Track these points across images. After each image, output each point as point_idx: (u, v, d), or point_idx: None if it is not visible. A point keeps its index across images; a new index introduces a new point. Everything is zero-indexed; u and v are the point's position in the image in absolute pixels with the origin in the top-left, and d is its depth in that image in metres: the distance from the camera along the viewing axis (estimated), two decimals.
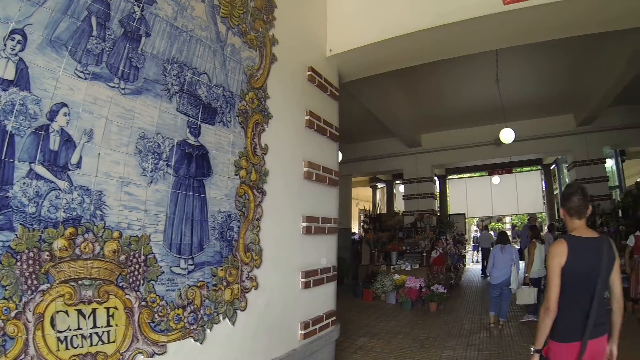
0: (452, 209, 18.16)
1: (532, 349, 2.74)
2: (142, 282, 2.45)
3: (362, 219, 14.44)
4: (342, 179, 14.03)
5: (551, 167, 17.19)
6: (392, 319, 8.03)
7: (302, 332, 4.05)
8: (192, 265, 2.80)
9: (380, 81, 8.34)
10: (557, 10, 4.64)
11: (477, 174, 18.71)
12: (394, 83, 9.11)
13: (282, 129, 3.92)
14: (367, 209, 14.39)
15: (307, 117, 4.42)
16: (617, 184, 14.40)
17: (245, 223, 3.28)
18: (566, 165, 13.45)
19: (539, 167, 17.51)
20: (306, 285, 4.11)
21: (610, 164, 14.28)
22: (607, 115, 11.79)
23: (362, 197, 22.06)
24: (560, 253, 2.65)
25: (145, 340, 2.44)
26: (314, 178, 4.39)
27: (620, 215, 11.11)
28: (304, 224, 4.16)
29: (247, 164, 3.34)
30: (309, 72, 4.60)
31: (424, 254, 10.58)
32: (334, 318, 4.76)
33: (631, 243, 7.74)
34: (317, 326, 4.34)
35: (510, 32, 5.23)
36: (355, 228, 19.23)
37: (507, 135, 9.11)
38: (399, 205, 17.18)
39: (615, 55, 8.28)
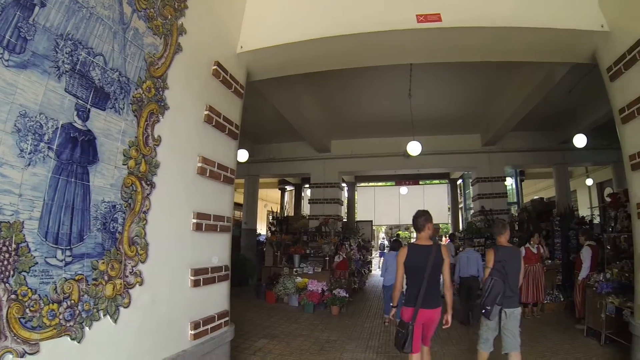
0: (359, 216, 18.80)
1: (391, 305, 4.53)
2: (12, 273, 2.22)
3: (269, 221, 14.39)
4: (249, 179, 14.32)
5: (458, 182, 18.26)
6: (294, 321, 8.05)
7: (193, 332, 3.92)
8: (70, 256, 2.60)
9: (292, 84, 8.40)
10: (466, 34, 4.96)
11: (387, 183, 19.49)
12: (307, 87, 9.23)
13: (178, 122, 3.78)
14: (275, 210, 14.37)
15: (207, 112, 4.30)
16: (515, 200, 15.66)
17: (131, 215, 3.11)
18: (471, 180, 14.31)
19: (447, 181, 18.59)
20: (196, 284, 3.99)
21: (510, 182, 15.49)
22: (510, 138, 12.79)
23: (271, 199, 22.22)
24: (402, 254, 4.32)
25: (15, 338, 2.21)
26: (207, 174, 4.27)
27: (516, 228, 11.99)
28: (195, 221, 4.02)
29: (137, 154, 3.18)
30: (215, 67, 4.49)
31: (327, 258, 10.70)
32: (227, 318, 4.65)
33: (522, 254, 8.33)
34: (209, 326, 4.22)
35: (423, 49, 5.48)
36: (263, 229, 19.30)
37: (413, 148, 9.39)
38: (307, 209, 17.45)
39: (521, 85, 8.99)
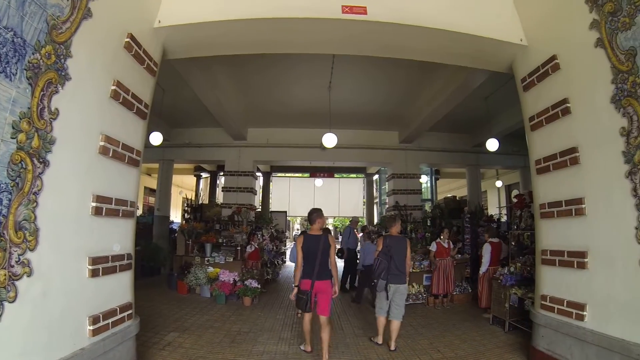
0: (274, 206, 18.62)
1: (293, 285, 5.53)
2: None
3: (184, 208, 13.80)
4: (164, 164, 13.70)
5: (374, 177, 18.64)
6: (205, 313, 7.77)
7: (92, 327, 3.58)
8: None
9: (211, 66, 8.07)
10: (391, 30, 4.97)
11: (302, 175, 19.34)
12: (226, 71, 8.90)
13: (80, 95, 3.39)
14: (190, 198, 13.85)
15: (114, 88, 3.93)
16: (429, 197, 16.24)
17: (19, 196, 2.71)
18: (387, 176, 14.62)
19: (363, 176, 18.93)
20: (94, 274, 3.62)
21: (425, 179, 16.03)
22: (427, 137, 13.27)
23: (187, 186, 21.35)
24: (300, 242, 5.45)
25: None
26: (110, 155, 3.89)
27: (428, 224, 12.44)
28: (94, 204, 3.63)
29: (29, 128, 2.77)
30: (127, 40, 4.12)
31: (239, 248, 10.43)
32: (130, 311, 4.32)
33: (433, 249, 8.75)
34: (110, 320, 3.88)
35: (347, 41, 5.40)
36: (178, 217, 18.64)
37: (329, 140, 9.33)
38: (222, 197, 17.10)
39: (441, 87, 9.26)
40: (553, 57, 4.77)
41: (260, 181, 17.16)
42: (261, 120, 12.58)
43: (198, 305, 8.38)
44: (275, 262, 13.29)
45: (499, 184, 19.06)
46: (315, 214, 5.54)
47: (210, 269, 9.37)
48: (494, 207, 19.06)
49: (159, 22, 4.76)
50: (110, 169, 3.99)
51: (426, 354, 5.60)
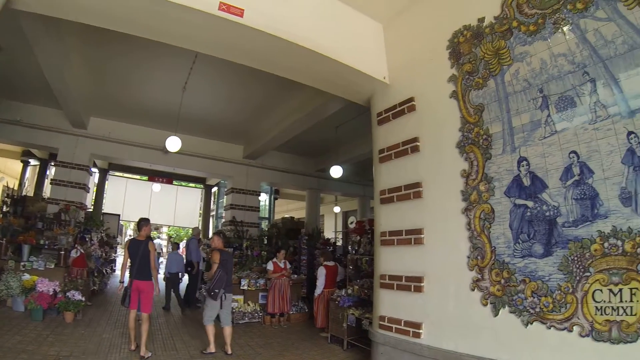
0: (107, 208, 16.51)
1: (120, 283, 6.49)
2: None
3: (3, 199, 11.14)
4: None
5: (213, 189, 18.28)
6: (17, 332, 6.39)
7: None
8: None
9: (65, 38, 7.08)
10: (262, 40, 4.88)
11: (141, 177, 17.70)
12: (80, 47, 7.77)
13: None
14: (13, 187, 11.51)
15: None
16: (267, 216, 16.47)
17: None
18: (226, 189, 14.48)
19: (202, 186, 18.37)
20: None
21: (264, 197, 16.24)
22: (272, 156, 13.57)
23: (11, 172, 17.23)
24: (127, 246, 6.35)
25: None
26: None
27: (265, 242, 12.56)
28: None
29: None
30: None
31: (62, 252, 9.00)
32: None
33: (270, 267, 8.85)
34: None
35: (215, 40, 5.11)
36: None
37: (172, 143, 8.95)
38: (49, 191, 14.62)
39: (295, 108, 9.51)
40: (411, 99, 5.30)
41: (95, 178, 15.23)
42: (107, 110, 11.10)
43: (8, 323, 6.84)
44: (104, 271, 12.03)
45: (337, 209, 20.25)
46: (143, 223, 6.55)
47: (27, 277, 7.78)
48: (331, 230, 20.08)
49: None
50: None
51: None
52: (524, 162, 4.10)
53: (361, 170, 15.88)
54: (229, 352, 6.34)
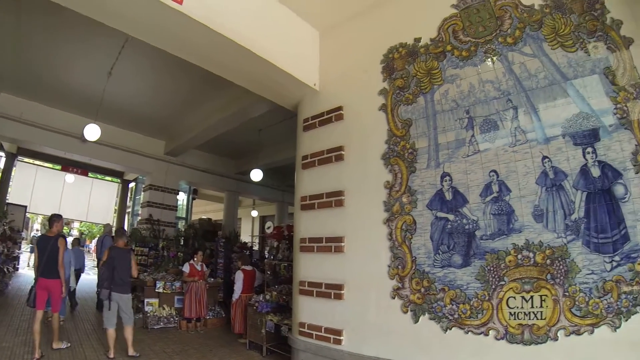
0: (13, 197, 14.59)
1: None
2: None
3: None
4: None
5: (130, 185, 17.35)
6: None
7: None
8: None
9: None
10: (199, 31, 4.61)
11: (54, 166, 15.87)
12: (6, 10, 6.55)
13: None
14: None
15: None
16: (184, 215, 15.93)
17: None
18: (144, 186, 13.82)
19: (119, 181, 17.29)
20: None
21: (182, 197, 15.72)
22: (192, 154, 13.14)
23: None
24: (35, 240, 5.67)
25: None
26: None
27: (181, 243, 12.13)
28: None
29: None
30: None
31: None
32: None
33: (186, 270, 8.51)
34: None
35: (149, 24, 4.74)
36: None
37: (91, 132, 8.25)
38: None
39: (221, 107, 9.29)
40: (339, 108, 5.38)
41: (0, 162, 13.85)
42: (22, 86, 9.62)
43: None
44: (5, 269, 10.94)
45: (254, 213, 20.04)
46: (55, 219, 6.31)
47: None
48: (247, 234, 19.84)
49: None
50: None
51: None
52: (447, 178, 4.32)
53: (281, 176, 15.89)
54: (131, 353, 6.15)
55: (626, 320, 3.39)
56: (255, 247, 13.75)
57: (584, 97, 3.80)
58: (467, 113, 4.34)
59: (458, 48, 4.51)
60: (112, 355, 5.99)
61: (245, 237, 17.24)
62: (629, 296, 3.40)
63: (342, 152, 5.20)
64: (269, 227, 10.37)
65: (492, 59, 4.27)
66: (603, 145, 3.65)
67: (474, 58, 4.39)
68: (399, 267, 4.40)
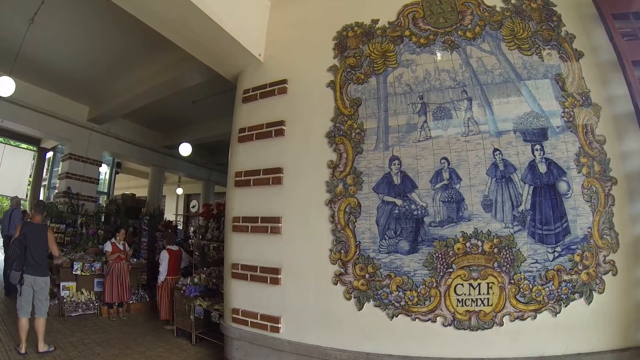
0: None
1: None
2: None
3: None
4: None
5: (47, 154, 15.77)
6: None
7: None
8: None
9: None
10: None
11: None
12: None
13: None
14: None
15: None
16: (106, 190, 14.86)
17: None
18: (62, 155, 12.56)
19: (35, 149, 15.57)
20: None
21: (105, 170, 14.66)
22: (118, 123, 12.21)
23: None
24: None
25: None
26: None
27: (102, 220, 11.28)
28: None
29: None
30: None
31: None
32: None
33: (108, 248, 7.75)
34: None
35: None
36: None
37: (5, 86, 6.88)
38: None
39: (155, 72, 8.56)
40: (284, 81, 5.04)
41: None
42: None
43: None
44: None
45: (179, 191, 19.33)
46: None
47: None
48: (171, 213, 19.08)
49: None
50: None
51: None
52: (396, 161, 4.23)
53: (209, 154, 15.46)
54: (42, 349, 5.22)
55: (565, 306, 3.74)
56: (179, 227, 13.11)
57: (535, 98, 4.09)
58: (420, 99, 4.30)
59: (416, 35, 4.49)
60: (23, 351, 5.13)
61: (169, 216, 16.51)
62: (568, 284, 3.75)
63: (283, 127, 4.88)
64: (194, 206, 9.92)
65: (449, 50, 4.36)
66: (550, 144, 3.97)
67: (432, 46, 4.43)
68: (342, 251, 4.23)
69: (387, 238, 4.08)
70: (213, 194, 17.58)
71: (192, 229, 18.60)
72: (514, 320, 3.73)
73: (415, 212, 4.03)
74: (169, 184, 19.59)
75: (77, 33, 7.70)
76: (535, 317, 3.73)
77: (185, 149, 10.21)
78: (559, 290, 3.73)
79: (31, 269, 5.30)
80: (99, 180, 12.94)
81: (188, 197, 20.11)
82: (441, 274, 3.88)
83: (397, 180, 4.15)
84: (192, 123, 11.12)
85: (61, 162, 12.50)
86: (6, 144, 14.46)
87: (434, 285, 3.88)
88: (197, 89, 8.67)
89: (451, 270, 3.87)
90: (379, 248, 4.09)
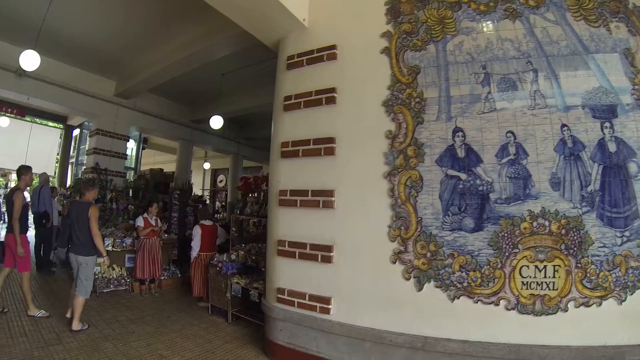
0: None
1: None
2: None
3: None
4: None
5: (74, 132, 15.73)
6: None
7: None
8: None
9: None
10: None
11: None
12: None
13: None
14: None
15: None
16: (133, 165, 14.81)
17: None
18: (90, 131, 12.37)
19: (62, 126, 15.49)
20: None
21: (132, 145, 14.60)
22: (145, 98, 12.03)
23: None
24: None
25: None
26: None
27: (130, 195, 11.20)
28: None
29: None
30: None
31: None
32: None
33: (141, 224, 7.61)
34: None
35: None
36: None
37: (30, 60, 6.70)
38: None
39: (183, 44, 8.25)
40: (333, 47, 4.69)
41: None
42: None
43: None
44: None
45: (206, 165, 19.20)
46: (23, 171, 5.81)
47: None
48: (198, 188, 19.03)
49: None
50: None
51: None
52: (460, 133, 3.96)
53: (238, 128, 15.22)
54: (75, 327, 5.15)
55: (631, 294, 3.52)
56: (208, 201, 12.99)
57: (604, 72, 3.77)
58: (483, 68, 4.01)
59: (475, 1, 4.16)
60: (68, 315, 5.42)
61: (196, 191, 16.35)
62: (635, 271, 3.53)
63: (335, 95, 4.56)
64: (221, 181, 9.75)
65: (511, 19, 4.06)
66: (620, 123, 3.67)
67: (492, 14, 4.10)
68: (402, 228, 3.98)
69: (450, 214, 3.83)
70: (242, 168, 17.47)
71: (218, 203, 18.62)
72: (579, 307, 3.52)
73: (480, 188, 3.77)
74: (196, 158, 19.41)
75: (99, 4, 7.37)
76: (600, 304, 3.51)
77: (216, 122, 9.97)
78: (625, 277, 3.51)
79: (75, 247, 5.38)
80: (126, 155, 12.85)
81: (215, 172, 20.03)
82: (506, 254, 3.65)
83: (461, 153, 3.89)
84: (221, 96, 10.78)
85: (89, 138, 12.41)
86: (33, 122, 14.39)
87: (499, 266, 3.65)
88: (227, 61, 8.41)
89: (517, 250, 3.63)
90: (442, 225, 3.84)
